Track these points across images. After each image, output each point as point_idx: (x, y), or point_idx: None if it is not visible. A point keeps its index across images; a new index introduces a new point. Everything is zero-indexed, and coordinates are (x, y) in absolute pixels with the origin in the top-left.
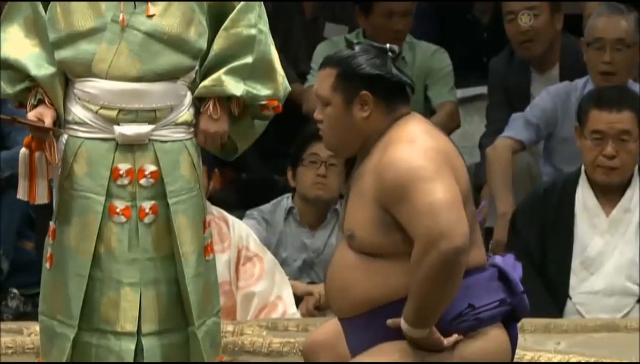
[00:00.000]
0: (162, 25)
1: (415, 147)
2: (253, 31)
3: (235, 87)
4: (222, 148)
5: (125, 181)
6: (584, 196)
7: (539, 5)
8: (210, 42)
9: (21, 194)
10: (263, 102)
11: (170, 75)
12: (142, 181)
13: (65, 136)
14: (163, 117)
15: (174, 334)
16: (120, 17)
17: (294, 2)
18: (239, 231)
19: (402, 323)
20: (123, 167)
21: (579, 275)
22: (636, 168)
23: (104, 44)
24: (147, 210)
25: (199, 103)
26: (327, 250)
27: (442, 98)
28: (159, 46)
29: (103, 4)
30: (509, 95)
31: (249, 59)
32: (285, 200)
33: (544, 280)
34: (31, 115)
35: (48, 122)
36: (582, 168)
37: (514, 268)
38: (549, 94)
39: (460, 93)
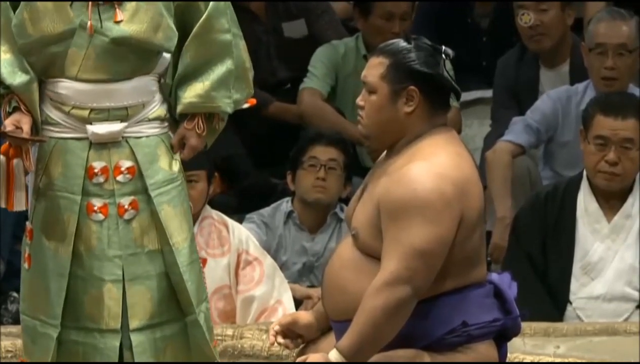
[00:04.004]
0: (130, 31)
1: (433, 172)
2: (228, 36)
3: (226, 103)
4: None
5: (101, 179)
6: (585, 202)
7: (549, 1)
8: (179, 44)
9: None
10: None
11: (139, 73)
12: (119, 177)
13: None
14: (135, 114)
15: (167, 326)
16: (88, 24)
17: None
18: (239, 235)
19: (334, 353)
20: (98, 165)
21: (579, 280)
22: (638, 175)
23: (73, 48)
24: (126, 206)
25: (180, 118)
26: (326, 253)
27: None
28: (127, 50)
29: (71, 11)
30: (516, 92)
31: (230, 66)
32: (285, 204)
33: (545, 285)
34: (8, 123)
35: (26, 129)
36: (584, 173)
37: (510, 287)
38: (549, 98)
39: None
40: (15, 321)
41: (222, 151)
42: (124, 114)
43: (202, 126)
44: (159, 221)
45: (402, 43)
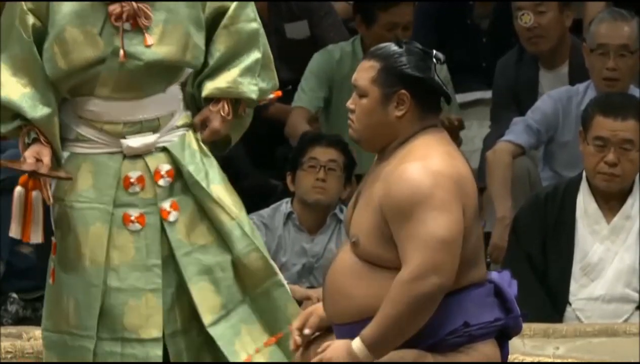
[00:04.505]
0: (162, 54)
1: (430, 169)
2: (255, 25)
3: (252, 90)
4: (214, 142)
5: (137, 188)
6: (585, 203)
7: (546, 2)
8: (208, 41)
9: (14, 232)
10: (270, 96)
11: (169, 86)
12: (161, 181)
13: (67, 153)
14: (166, 123)
15: (240, 308)
16: (121, 52)
17: None
18: None
19: (357, 343)
20: (133, 174)
21: (579, 281)
22: (637, 176)
23: (105, 72)
24: (168, 209)
25: (205, 102)
26: (326, 254)
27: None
28: (158, 70)
29: (101, 40)
30: (516, 93)
31: (257, 54)
32: (285, 205)
33: (544, 285)
34: (28, 155)
35: (46, 161)
36: (584, 174)
37: (510, 286)
38: (550, 98)
39: (460, 98)
40: (15, 322)
41: None
42: (155, 125)
43: (227, 109)
44: (204, 214)
45: (393, 47)
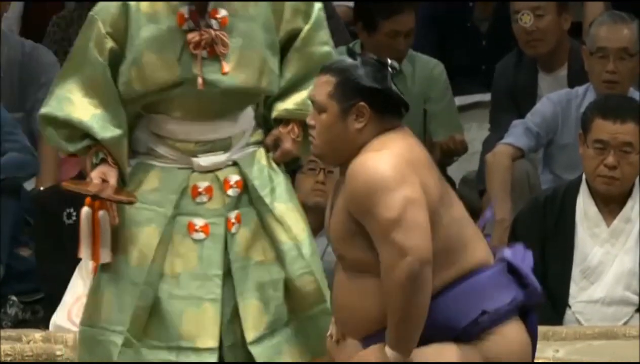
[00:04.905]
0: (238, 82)
1: (382, 154)
2: (327, 48)
3: None
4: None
5: (205, 198)
6: (584, 205)
7: (544, 5)
8: (280, 62)
9: (84, 255)
10: None
11: (243, 109)
12: (230, 191)
13: (136, 161)
14: (237, 142)
15: (283, 330)
16: (199, 80)
17: None
18: None
19: (388, 350)
20: (202, 184)
21: (578, 284)
22: (637, 179)
23: (181, 96)
24: (233, 220)
25: (275, 123)
26: (326, 257)
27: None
28: (234, 96)
29: (179, 67)
30: (515, 96)
31: None
32: None
33: (544, 288)
34: (95, 176)
35: (112, 182)
36: (583, 176)
37: (524, 259)
38: (549, 101)
39: (459, 100)
40: (14, 324)
41: None
42: (227, 144)
43: (297, 131)
44: (265, 230)
45: (348, 60)
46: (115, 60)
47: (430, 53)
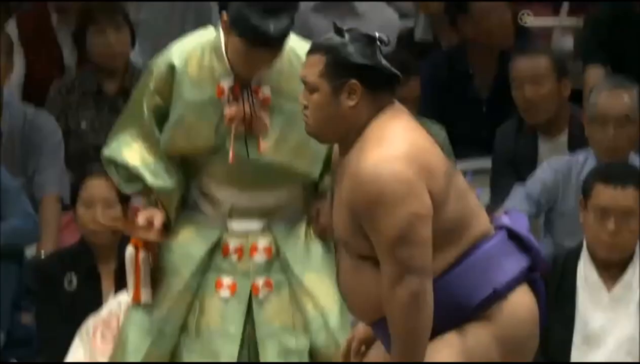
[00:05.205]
0: (273, 161)
1: (385, 156)
2: None
3: None
4: None
5: (234, 258)
6: (585, 271)
7: (544, 73)
8: None
9: (129, 294)
10: None
11: (283, 186)
12: (256, 257)
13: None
14: (276, 212)
15: None
16: (230, 154)
17: None
18: None
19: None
20: (233, 244)
21: (580, 350)
22: (638, 245)
23: (217, 163)
24: (260, 286)
25: (320, 194)
26: None
27: None
28: (271, 174)
29: (216, 135)
30: (515, 162)
31: None
32: None
33: (545, 354)
34: (141, 217)
35: (157, 224)
36: (584, 242)
37: (520, 223)
38: (550, 167)
39: (461, 166)
40: None
41: None
42: (264, 212)
43: None
44: (294, 300)
45: (336, 37)
46: (161, 116)
47: (432, 119)
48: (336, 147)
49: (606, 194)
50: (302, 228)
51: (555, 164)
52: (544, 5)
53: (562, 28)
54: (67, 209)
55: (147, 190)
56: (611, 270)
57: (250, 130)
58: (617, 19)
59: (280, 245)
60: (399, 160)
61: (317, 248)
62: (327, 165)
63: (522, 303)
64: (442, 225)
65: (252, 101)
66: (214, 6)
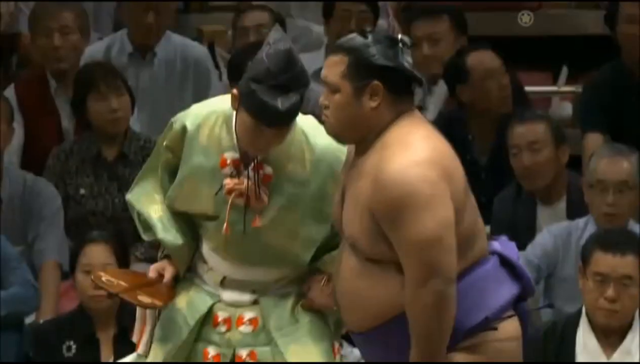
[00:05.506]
0: (265, 239)
1: (412, 163)
2: None
3: None
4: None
5: (223, 328)
6: (584, 338)
7: (542, 139)
8: None
9: (134, 337)
10: None
11: (275, 265)
12: (241, 328)
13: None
14: (268, 287)
15: None
16: (224, 225)
17: None
18: None
19: None
20: (222, 315)
21: None
22: (637, 312)
23: (213, 230)
24: (244, 357)
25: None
26: None
27: None
28: (264, 253)
29: (213, 205)
30: (514, 228)
31: None
32: None
33: None
34: (152, 270)
35: (168, 277)
36: (583, 309)
37: (511, 251)
38: (550, 234)
39: None
40: None
41: None
42: (255, 287)
43: (329, 286)
44: None
45: (359, 38)
46: (172, 172)
47: None
48: (349, 147)
49: (605, 261)
50: (290, 300)
51: (555, 230)
52: (543, 72)
53: (560, 94)
54: (67, 276)
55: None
56: (610, 336)
57: (248, 205)
58: (615, 85)
59: (266, 317)
60: (426, 163)
61: (304, 318)
62: (322, 248)
63: (509, 333)
64: (456, 235)
65: (254, 177)
66: (213, 75)
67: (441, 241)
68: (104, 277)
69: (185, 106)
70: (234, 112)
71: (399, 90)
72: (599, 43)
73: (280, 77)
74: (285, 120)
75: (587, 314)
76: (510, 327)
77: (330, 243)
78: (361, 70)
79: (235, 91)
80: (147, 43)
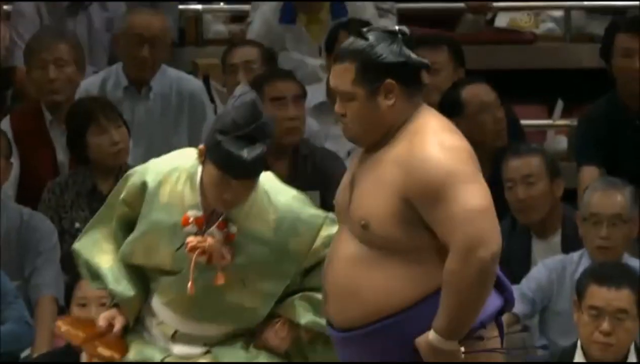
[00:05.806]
0: (228, 295)
1: (446, 146)
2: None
3: (302, 316)
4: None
5: None
6: None
7: (537, 173)
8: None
9: None
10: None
11: (231, 326)
12: None
13: None
14: (219, 341)
15: None
16: (189, 284)
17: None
18: None
19: (433, 335)
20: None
21: None
22: (632, 345)
23: (169, 285)
24: None
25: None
26: None
27: None
28: (220, 310)
29: (174, 259)
30: (509, 262)
31: None
32: None
33: None
34: (102, 318)
35: (117, 328)
36: (579, 343)
37: None
38: (545, 267)
39: None
40: None
41: None
42: (207, 341)
43: (283, 329)
44: None
45: (361, 41)
46: (127, 225)
47: None
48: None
49: (600, 295)
50: (241, 341)
51: (550, 263)
52: (538, 105)
53: (556, 128)
54: (63, 311)
55: (109, 291)
56: None
57: (210, 262)
58: (611, 119)
59: (221, 358)
60: (458, 148)
61: (258, 358)
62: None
63: (491, 336)
64: None
65: (215, 234)
66: (208, 108)
67: (488, 211)
68: (63, 327)
69: (180, 139)
70: (199, 169)
71: (411, 82)
72: (595, 76)
73: (245, 128)
74: (251, 170)
75: (582, 348)
76: (491, 333)
77: (287, 292)
78: (371, 72)
79: (201, 146)
80: (142, 77)
